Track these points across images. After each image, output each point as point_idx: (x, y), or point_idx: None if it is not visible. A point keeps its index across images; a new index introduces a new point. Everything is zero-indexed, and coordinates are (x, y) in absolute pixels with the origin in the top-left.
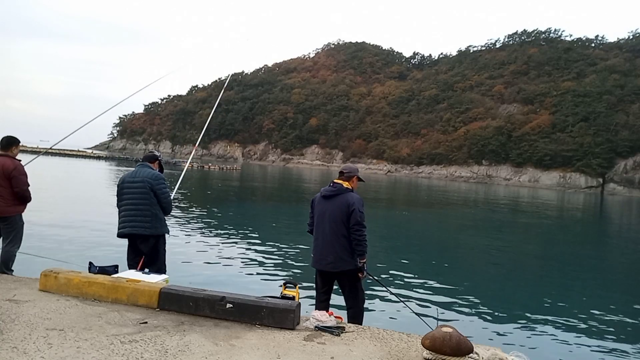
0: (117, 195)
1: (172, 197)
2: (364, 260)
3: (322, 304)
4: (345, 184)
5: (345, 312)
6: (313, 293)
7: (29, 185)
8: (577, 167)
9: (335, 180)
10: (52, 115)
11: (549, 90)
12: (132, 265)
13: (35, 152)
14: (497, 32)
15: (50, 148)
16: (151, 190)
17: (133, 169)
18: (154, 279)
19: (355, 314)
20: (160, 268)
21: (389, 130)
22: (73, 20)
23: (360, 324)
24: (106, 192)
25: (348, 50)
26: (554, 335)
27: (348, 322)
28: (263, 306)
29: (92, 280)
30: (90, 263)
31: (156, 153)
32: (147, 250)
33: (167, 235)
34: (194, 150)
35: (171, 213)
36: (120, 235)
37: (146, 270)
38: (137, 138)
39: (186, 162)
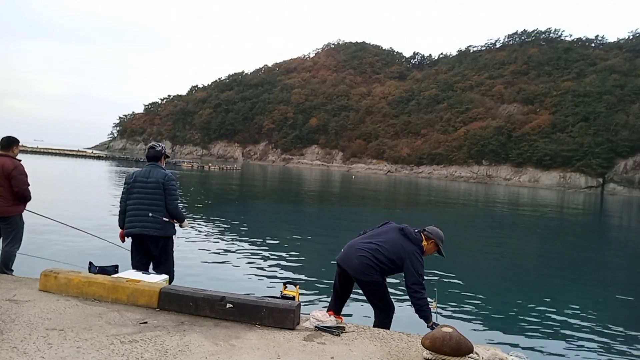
0: (125, 191)
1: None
2: (430, 324)
3: (336, 302)
4: (424, 242)
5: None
6: (313, 293)
7: (28, 185)
8: (577, 167)
9: (421, 230)
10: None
11: (549, 90)
12: (137, 266)
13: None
14: (497, 32)
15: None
16: (163, 190)
17: (138, 169)
18: (154, 279)
19: (382, 324)
20: (169, 270)
21: (389, 130)
22: (73, 20)
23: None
24: (106, 193)
25: (348, 50)
26: (554, 335)
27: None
28: (263, 306)
29: (92, 280)
30: (90, 263)
31: (157, 147)
32: (157, 252)
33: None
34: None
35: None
36: (128, 234)
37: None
38: (137, 138)
39: (186, 162)
